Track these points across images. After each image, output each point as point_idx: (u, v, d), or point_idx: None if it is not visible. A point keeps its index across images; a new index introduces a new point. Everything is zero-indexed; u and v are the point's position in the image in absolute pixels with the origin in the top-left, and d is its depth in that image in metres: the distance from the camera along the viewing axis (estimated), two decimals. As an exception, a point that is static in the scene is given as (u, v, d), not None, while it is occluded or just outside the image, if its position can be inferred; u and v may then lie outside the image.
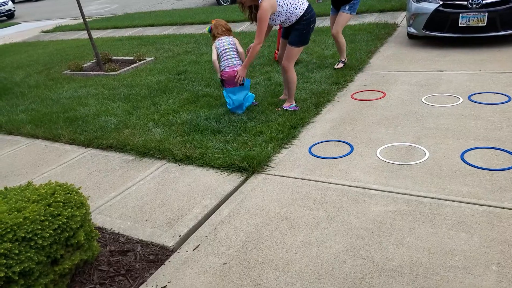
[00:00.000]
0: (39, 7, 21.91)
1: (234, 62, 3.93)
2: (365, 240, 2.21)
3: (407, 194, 2.56)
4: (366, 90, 4.35)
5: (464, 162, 2.83)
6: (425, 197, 2.51)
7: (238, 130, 3.73)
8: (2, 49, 10.67)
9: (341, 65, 5.10)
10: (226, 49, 3.95)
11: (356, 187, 2.71)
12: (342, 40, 5.00)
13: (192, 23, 9.99)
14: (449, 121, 3.44)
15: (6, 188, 2.35)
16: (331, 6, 5.06)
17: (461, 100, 3.80)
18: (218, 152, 3.36)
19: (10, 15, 19.18)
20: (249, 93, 4.23)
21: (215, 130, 3.77)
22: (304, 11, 3.72)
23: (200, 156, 3.34)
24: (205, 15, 10.48)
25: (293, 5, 3.70)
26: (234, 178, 3.04)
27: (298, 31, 3.77)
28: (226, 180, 3.03)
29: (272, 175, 3.03)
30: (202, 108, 4.35)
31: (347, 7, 4.79)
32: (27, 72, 7.03)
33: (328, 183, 2.80)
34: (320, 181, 2.84)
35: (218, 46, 3.99)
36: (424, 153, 3.01)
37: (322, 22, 7.92)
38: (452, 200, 2.44)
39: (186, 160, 3.36)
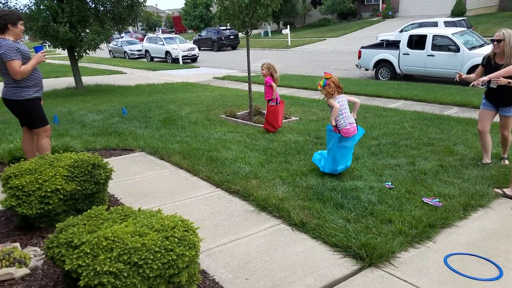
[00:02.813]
0: (217, 56, 25.85)
1: (352, 119, 4.16)
2: None
3: None
4: (536, 206, 3.53)
5: None
6: None
7: (364, 210, 3.44)
8: (179, 86, 12.79)
9: (507, 162, 4.47)
10: (345, 108, 4.14)
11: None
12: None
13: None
14: None
15: (139, 210, 2.62)
16: (484, 99, 4.47)
17: None
18: (336, 228, 3.13)
19: (194, 59, 23.27)
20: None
21: (339, 203, 3.56)
22: None
23: (315, 227, 3.17)
24: (359, 87, 10.56)
25: None
26: (347, 264, 2.75)
27: None
28: (337, 263, 2.76)
29: (392, 275, 2.63)
30: (331, 177, 4.21)
31: None
32: (192, 109, 8.17)
33: (463, 309, 2.26)
34: (452, 304, 2.31)
35: (340, 103, 4.10)
36: None
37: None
38: None
39: (301, 226, 3.23)
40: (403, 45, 11.64)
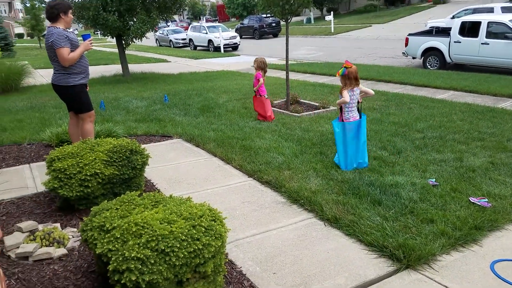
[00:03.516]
0: (258, 44, 25.67)
1: (356, 114, 4.19)
2: None
3: None
4: None
5: None
6: None
7: (404, 208, 3.26)
8: (219, 74, 12.85)
9: None
10: (354, 102, 4.14)
11: None
12: None
13: (388, 81, 9.73)
14: None
15: (170, 196, 2.63)
16: None
17: None
18: (372, 226, 2.99)
19: (235, 47, 23.28)
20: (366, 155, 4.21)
21: (376, 200, 3.39)
22: None
23: (349, 224, 3.04)
24: (405, 76, 10.05)
25: None
26: (382, 265, 2.61)
27: None
28: (371, 263, 2.63)
29: (431, 279, 2.46)
30: (369, 171, 4.03)
31: None
32: (229, 97, 8.16)
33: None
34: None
35: (351, 97, 4.09)
36: None
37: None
38: None
39: (334, 222, 3.12)
40: (455, 32, 10.94)
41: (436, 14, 25.57)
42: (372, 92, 4.32)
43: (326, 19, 29.99)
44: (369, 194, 3.50)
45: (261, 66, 6.21)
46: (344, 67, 4.04)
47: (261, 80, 6.17)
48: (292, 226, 3.12)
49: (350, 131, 4.11)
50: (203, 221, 2.24)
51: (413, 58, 12.56)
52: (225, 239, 2.27)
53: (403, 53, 12.71)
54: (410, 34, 12.42)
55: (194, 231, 2.16)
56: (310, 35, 28.02)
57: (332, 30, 27.45)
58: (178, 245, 2.07)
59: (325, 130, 5.51)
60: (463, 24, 10.80)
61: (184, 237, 2.11)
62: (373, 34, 24.06)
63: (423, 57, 11.95)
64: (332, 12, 30.29)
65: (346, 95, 4.03)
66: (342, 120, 4.17)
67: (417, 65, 12.58)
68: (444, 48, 11.27)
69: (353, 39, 23.68)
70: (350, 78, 4.04)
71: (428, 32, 12.59)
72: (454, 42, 10.96)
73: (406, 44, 12.33)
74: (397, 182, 3.72)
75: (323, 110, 6.71)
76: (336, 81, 10.31)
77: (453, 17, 16.19)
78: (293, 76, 10.56)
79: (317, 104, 7.02)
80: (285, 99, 7.22)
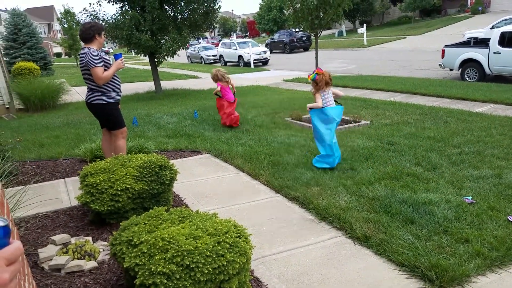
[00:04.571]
0: (289, 59, 25.75)
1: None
2: None
3: None
4: None
5: None
6: None
7: (438, 227, 3.11)
8: (248, 90, 12.96)
9: None
10: (330, 100, 4.55)
11: None
12: None
13: (424, 94, 9.45)
14: None
15: (197, 212, 2.66)
16: None
17: None
18: (403, 245, 2.87)
19: (265, 62, 23.48)
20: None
21: (409, 218, 3.26)
22: None
23: (380, 243, 2.93)
24: (442, 88, 9.72)
25: None
26: (413, 286, 2.50)
27: None
28: (401, 284, 2.52)
29: (465, 303, 2.31)
30: (402, 188, 3.89)
31: None
32: (258, 112, 8.20)
33: None
34: None
35: (323, 98, 4.51)
36: None
37: None
38: None
39: (363, 241, 3.02)
40: (494, 43, 10.54)
41: (474, 25, 24.72)
42: (342, 93, 4.94)
43: (358, 31, 29.78)
44: (401, 212, 3.37)
45: (216, 78, 6.82)
46: (316, 73, 4.50)
47: (218, 87, 6.77)
48: (320, 244, 3.05)
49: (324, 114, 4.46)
50: (228, 237, 2.24)
51: (451, 70, 12.20)
52: (249, 256, 2.26)
53: (440, 65, 12.38)
54: (446, 46, 12.10)
55: (219, 247, 2.16)
56: (342, 48, 27.86)
57: (365, 43, 27.15)
58: (202, 261, 2.08)
59: (356, 145, 5.40)
60: (503, 34, 10.41)
61: (209, 253, 2.11)
62: (408, 46, 23.58)
63: (461, 69, 11.57)
64: (365, 24, 30.03)
65: (319, 100, 4.47)
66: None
67: (454, 77, 12.17)
68: (483, 60, 10.86)
69: (387, 51, 23.29)
70: (321, 83, 4.45)
71: (466, 43, 12.21)
72: (494, 53, 10.54)
73: (443, 56, 12.02)
74: (431, 199, 3.56)
75: (355, 124, 6.59)
76: (370, 94, 10.15)
77: (492, 27, 15.65)
78: (323, 90, 10.45)
79: (348, 118, 6.90)
80: (314, 114, 7.17)
